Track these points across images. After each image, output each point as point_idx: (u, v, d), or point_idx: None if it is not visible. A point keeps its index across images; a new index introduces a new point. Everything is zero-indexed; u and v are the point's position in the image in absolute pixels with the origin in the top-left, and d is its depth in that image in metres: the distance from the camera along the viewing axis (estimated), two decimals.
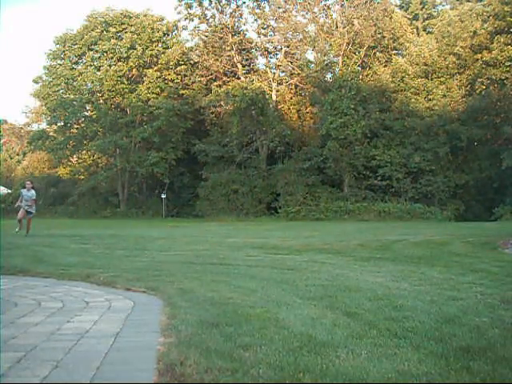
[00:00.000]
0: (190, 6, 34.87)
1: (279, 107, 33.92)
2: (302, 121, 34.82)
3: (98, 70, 35.44)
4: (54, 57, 37.08)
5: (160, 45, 35.65)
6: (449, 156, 29.80)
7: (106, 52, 35.20)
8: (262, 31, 34.81)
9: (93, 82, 35.26)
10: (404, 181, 29.66)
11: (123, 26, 35.76)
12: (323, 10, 32.85)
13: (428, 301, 3.99)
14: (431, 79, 30.78)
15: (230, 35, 33.96)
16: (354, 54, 31.08)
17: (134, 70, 35.21)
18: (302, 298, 4.18)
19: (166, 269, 6.18)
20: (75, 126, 37.06)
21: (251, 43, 35.58)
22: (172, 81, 34.90)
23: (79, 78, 35.53)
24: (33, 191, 14.28)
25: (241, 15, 35.16)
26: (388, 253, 8.36)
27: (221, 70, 34.41)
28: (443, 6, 41.75)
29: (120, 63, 34.80)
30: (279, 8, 32.96)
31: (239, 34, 35.05)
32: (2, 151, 53.08)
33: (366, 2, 30.35)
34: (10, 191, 42.37)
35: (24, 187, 14.95)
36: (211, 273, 5.84)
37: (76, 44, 36.32)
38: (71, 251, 8.85)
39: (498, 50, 29.24)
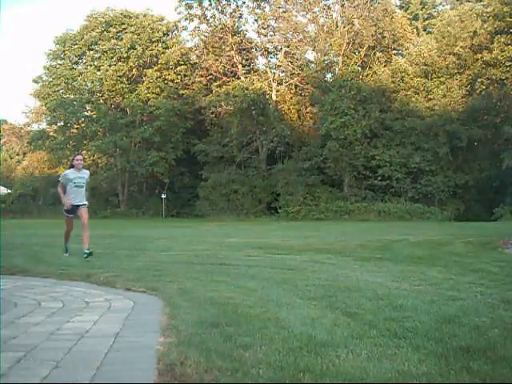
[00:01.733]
0: (190, 7, 34.89)
1: (279, 107, 33.93)
2: (302, 121, 34.83)
3: (98, 69, 35.44)
4: (54, 57, 37.09)
5: (160, 45, 35.67)
6: (449, 156, 29.78)
7: (106, 52, 35.21)
8: (262, 31, 34.84)
9: (93, 82, 35.27)
10: (404, 181, 29.67)
11: (123, 26, 35.77)
12: (323, 9, 32.88)
13: (428, 301, 3.99)
14: (431, 79, 30.78)
15: (230, 35, 33.96)
16: (354, 53, 31.10)
17: (134, 70, 35.23)
18: (302, 298, 4.17)
19: (166, 269, 6.17)
20: (75, 126, 37.07)
21: (251, 43, 35.60)
22: (172, 81, 34.91)
23: (79, 78, 35.55)
24: (87, 172, 8.50)
25: (241, 15, 35.20)
26: (388, 253, 8.36)
27: (221, 70, 34.41)
28: (443, 6, 41.73)
29: (120, 63, 34.82)
30: (279, 8, 32.98)
31: (239, 34, 35.06)
32: (2, 151, 53.07)
33: (367, 2, 30.36)
34: (9, 191, 42.35)
35: (71, 166, 8.33)
36: (211, 273, 5.84)
37: (76, 44, 36.33)
38: (71, 251, 8.84)
39: (498, 50, 29.25)
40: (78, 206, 8.12)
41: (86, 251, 7.78)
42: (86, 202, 8.28)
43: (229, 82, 33.67)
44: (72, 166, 8.27)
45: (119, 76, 34.60)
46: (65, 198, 8.08)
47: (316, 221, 27.57)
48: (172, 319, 3.31)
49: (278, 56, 35.32)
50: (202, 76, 34.84)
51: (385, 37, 31.74)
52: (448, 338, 2.88)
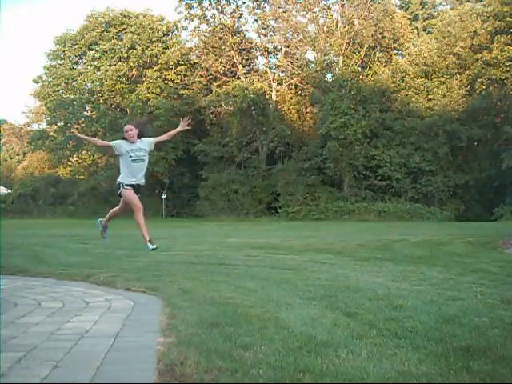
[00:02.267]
0: (190, 7, 34.91)
1: (279, 107, 33.94)
2: (302, 121, 34.84)
3: (98, 69, 35.46)
4: (54, 57, 37.12)
5: (160, 45, 35.68)
6: (449, 156, 29.81)
7: (106, 52, 35.21)
8: (262, 31, 34.87)
9: (93, 82, 35.29)
10: (404, 181, 29.68)
11: (123, 26, 35.78)
12: (323, 10, 32.91)
13: (428, 301, 3.99)
14: (431, 79, 30.80)
15: (230, 35, 33.97)
16: (354, 53, 31.10)
17: (134, 70, 35.23)
18: (302, 298, 4.17)
19: (166, 269, 6.17)
20: (75, 126, 37.07)
21: (251, 43, 35.62)
22: (172, 81, 34.92)
23: (79, 78, 35.57)
24: (146, 140, 6.99)
25: (241, 15, 35.22)
26: (388, 253, 8.35)
27: (221, 70, 34.42)
28: (443, 6, 41.77)
29: (120, 63, 34.83)
30: (279, 8, 32.99)
31: (239, 34, 35.07)
32: (2, 151, 53.09)
33: (367, 1, 30.37)
34: (10, 191, 42.36)
35: (127, 135, 6.81)
36: (211, 273, 5.84)
37: (76, 44, 36.36)
38: (71, 251, 8.84)
39: (498, 49, 29.27)
40: (139, 186, 6.69)
41: (150, 245, 6.52)
42: (135, 180, 6.70)
43: (229, 81, 33.68)
44: (124, 138, 6.85)
45: (119, 76, 34.60)
46: (97, 141, 7.09)
47: (316, 221, 27.57)
48: (172, 319, 3.30)
49: (278, 56, 35.35)
50: (201, 76, 34.84)
51: (385, 37, 31.75)
52: (448, 338, 2.88)
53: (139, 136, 6.88)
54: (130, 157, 6.63)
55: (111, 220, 7.38)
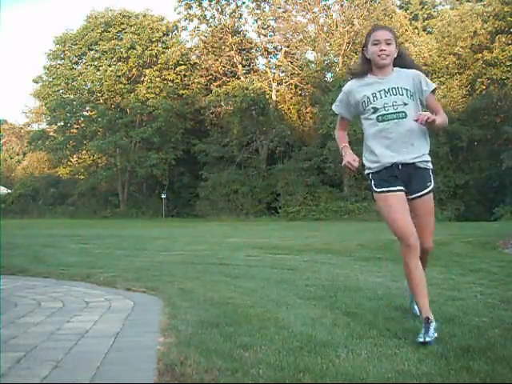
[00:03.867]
0: (189, 7, 34.92)
1: (279, 107, 33.94)
2: (302, 121, 34.83)
3: (98, 70, 35.46)
4: (54, 57, 37.12)
5: (160, 45, 35.69)
6: (449, 156, 29.80)
7: (106, 52, 35.22)
8: (262, 31, 34.87)
9: (92, 82, 35.28)
10: None
11: (123, 26, 35.78)
12: (323, 10, 32.91)
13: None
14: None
15: (230, 35, 33.99)
16: (354, 53, 31.09)
17: (134, 69, 35.24)
18: (302, 298, 4.18)
19: (166, 269, 6.17)
20: (75, 126, 37.09)
21: (251, 43, 35.63)
22: (171, 81, 34.93)
23: (79, 78, 35.56)
24: (409, 73, 2.97)
25: (240, 15, 35.23)
26: (388, 253, 8.35)
27: (221, 71, 34.44)
28: (443, 6, 41.70)
29: (120, 63, 34.83)
30: (279, 8, 33.00)
31: (239, 34, 35.09)
32: (2, 151, 53.08)
33: (366, 1, 30.38)
34: (10, 191, 42.36)
35: (376, 51, 2.88)
36: (211, 273, 5.84)
37: (76, 44, 36.37)
38: (71, 251, 8.85)
39: (498, 49, 29.27)
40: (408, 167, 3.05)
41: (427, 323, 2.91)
42: (431, 183, 3.26)
43: (229, 82, 33.69)
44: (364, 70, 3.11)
45: (119, 76, 34.60)
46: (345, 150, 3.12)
47: (316, 221, 27.55)
48: (172, 319, 3.31)
49: (278, 56, 35.36)
50: (201, 76, 34.85)
51: None
52: (448, 338, 2.88)
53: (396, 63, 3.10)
54: (375, 110, 3.01)
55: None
